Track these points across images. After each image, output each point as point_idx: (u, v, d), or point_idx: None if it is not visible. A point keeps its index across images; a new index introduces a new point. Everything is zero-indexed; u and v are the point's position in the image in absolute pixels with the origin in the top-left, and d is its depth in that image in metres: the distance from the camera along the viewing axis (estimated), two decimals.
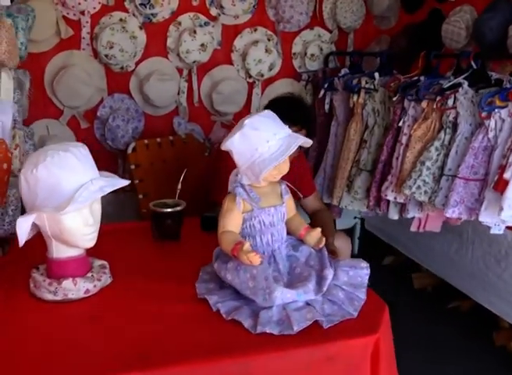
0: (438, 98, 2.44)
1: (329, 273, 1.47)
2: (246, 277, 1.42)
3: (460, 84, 2.42)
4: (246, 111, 3.41)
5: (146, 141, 3.01)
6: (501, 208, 2.18)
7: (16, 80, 2.40)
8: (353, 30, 3.53)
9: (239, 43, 3.32)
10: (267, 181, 1.52)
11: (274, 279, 1.43)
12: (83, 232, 1.46)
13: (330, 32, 3.49)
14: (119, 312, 1.44)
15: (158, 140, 3.06)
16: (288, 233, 1.60)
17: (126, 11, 3.06)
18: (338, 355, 1.30)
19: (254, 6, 3.29)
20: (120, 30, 2.99)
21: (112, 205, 3.14)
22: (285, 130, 1.48)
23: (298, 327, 1.31)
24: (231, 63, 3.35)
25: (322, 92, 3.10)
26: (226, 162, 2.39)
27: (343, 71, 3.12)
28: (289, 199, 1.60)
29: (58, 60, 2.99)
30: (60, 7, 2.91)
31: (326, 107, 3.18)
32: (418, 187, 2.51)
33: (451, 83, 2.44)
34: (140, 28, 3.10)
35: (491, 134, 2.30)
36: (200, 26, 3.20)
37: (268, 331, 1.31)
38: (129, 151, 2.94)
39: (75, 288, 1.47)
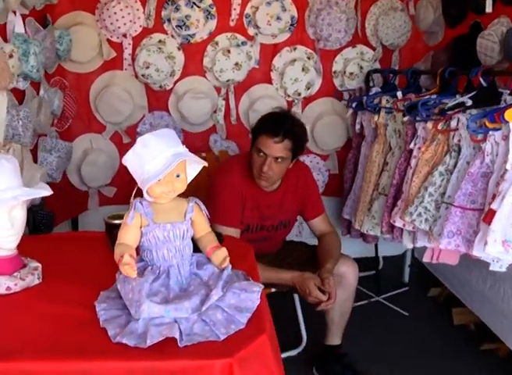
0: (439, 119, 2.33)
1: (215, 294, 1.50)
2: (128, 289, 1.51)
3: (464, 104, 2.30)
4: None
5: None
6: (485, 242, 2.03)
7: (39, 99, 2.72)
8: (398, 48, 3.45)
9: (278, 62, 3.40)
10: (165, 198, 1.59)
11: (154, 293, 1.50)
12: (1, 234, 1.64)
13: (374, 50, 3.44)
14: (22, 309, 1.59)
15: None
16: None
17: (165, 32, 3.28)
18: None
19: (292, 25, 3.35)
20: (156, 51, 3.21)
21: None
22: (175, 149, 1.54)
23: (150, 342, 1.37)
24: (270, 82, 3.43)
25: (350, 112, 3.07)
26: (224, 188, 2.53)
27: (374, 90, 3.08)
28: (196, 217, 1.64)
29: (102, 80, 3.28)
30: (104, 31, 3.21)
31: (357, 127, 3.15)
32: (419, 215, 2.41)
33: (454, 103, 2.32)
34: (179, 48, 3.30)
35: (488, 159, 2.16)
36: (238, 45, 3.33)
37: (124, 342, 1.39)
38: None
39: None
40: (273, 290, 2.57)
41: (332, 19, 3.28)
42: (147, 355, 1.35)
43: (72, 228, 3.45)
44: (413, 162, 2.54)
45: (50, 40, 2.79)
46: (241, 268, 1.81)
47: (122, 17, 3.15)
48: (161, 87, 3.32)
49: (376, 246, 3.55)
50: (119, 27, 3.17)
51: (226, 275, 1.59)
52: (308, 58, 3.41)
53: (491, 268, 2.22)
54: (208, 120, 3.40)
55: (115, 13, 3.14)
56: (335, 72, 3.45)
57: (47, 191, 1.71)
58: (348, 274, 2.64)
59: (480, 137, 2.14)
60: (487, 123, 2.07)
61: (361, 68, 3.38)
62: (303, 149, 2.58)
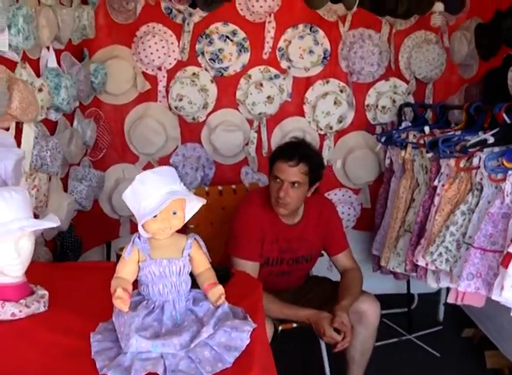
0: (461, 157, 2.29)
1: (205, 331, 1.52)
2: (121, 322, 1.55)
3: (486, 141, 2.25)
4: None
5: (207, 189, 3.26)
6: (502, 287, 1.97)
7: (71, 130, 2.85)
8: (431, 81, 3.42)
9: (310, 95, 3.43)
10: (162, 234, 1.63)
11: (145, 328, 1.53)
12: (7, 262, 1.73)
13: (407, 83, 3.42)
14: (22, 336, 1.65)
15: (220, 187, 3.30)
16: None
17: (199, 65, 3.38)
18: None
19: (325, 58, 3.39)
20: (190, 84, 3.31)
21: None
22: (171, 187, 1.58)
23: None
24: (303, 115, 3.47)
25: (379, 146, 3.05)
26: (242, 220, 2.56)
27: (404, 124, 3.06)
28: (195, 254, 1.67)
29: (137, 111, 3.40)
30: (139, 63, 3.34)
31: (387, 162, 3.13)
32: (440, 255, 2.37)
33: (476, 140, 2.27)
34: (212, 81, 3.39)
35: (508, 200, 2.10)
36: (271, 78, 3.39)
37: (109, 374, 1.42)
38: None
39: (2, 310, 1.74)
40: (294, 325, 2.56)
41: (365, 53, 3.30)
42: None
43: (106, 254, 3.55)
44: (436, 199, 2.50)
45: (84, 73, 2.92)
46: (246, 304, 1.84)
47: (157, 50, 3.27)
48: (194, 119, 3.41)
49: (408, 282, 3.47)
50: (154, 60, 3.29)
51: (221, 312, 1.61)
52: (341, 91, 3.43)
53: None
54: (239, 153, 3.45)
55: (150, 47, 3.26)
56: (367, 105, 3.45)
57: (53, 223, 1.78)
58: (369, 312, 2.60)
59: (500, 176, 2.09)
60: (505, 163, 2.02)
61: (394, 101, 3.37)
62: (319, 175, 2.58)
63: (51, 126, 2.73)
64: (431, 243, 2.42)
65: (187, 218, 1.69)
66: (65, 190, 2.94)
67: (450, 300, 2.56)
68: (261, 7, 3.23)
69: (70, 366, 1.48)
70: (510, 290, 1.96)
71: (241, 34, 3.36)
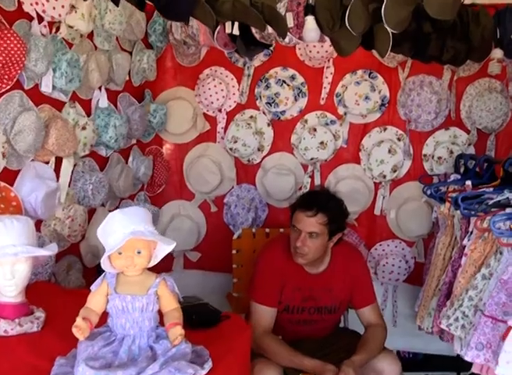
0: (480, 216, 2.17)
1: (151, 369, 1.60)
2: (80, 349, 1.68)
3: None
4: (369, 212, 3.45)
5: (253, 230, 3.36)
6: (496, 363, 1.84)
7: (121, 166, 3.06)
8: (494, 131, 3.26)
9: (367, 142, 3.41)
10: (126, 271, 1.73)
11: (96, 358, 1.63)
12: (2, 283, 1.91)
13: (468, 133, 3.29)
14: (5, 353, 1.79)
15: (267, 230, 3.38)
16: None
17: (257, 109, 3.49)
18: None
19: (383, 105, 3.36)
20: (245, 126, 3.43)
21: (205, 283, 3.56)
22: (135, 226, 1.68)
23: None
24: (358, 162, 3.45)
25: (423, 199, 2.95)
26: (262, 265, 2.61)
27: (453, 177, 2.94)
28: (162, 293, 1.75)
29: (196, 151, 3.56)
30: (201, 105, 3.53)
31: (433, 216, 3.02)
32: (456, 320, 2.26)
33: (498, 199, 2.15)
34: (268, 125, 3.49)
35: None
36: (326, 124, 3.42)
37: None
38: (235, 237, 3.32)
39: None
40: None
41: (422, 100, 3.23)
42: None
43: None
44: (463, 260, 2.38)
45: (140, 113, 3.14)
46: (229, 346, 1.91)
47: (216, 93, 3.44)
48: (249, 161, 3.52)
49: None
50: (212, 102, 3.46)
51: (175, 352, 1.68)
52: (398, 139, 3.37)
53: None
54: (291, 197, 3.47)
55: (210, 89, 3.44)
56: (425, 155, 3.36)
57: (48, 251, 1.97)
58: (387, 372, 2.52)
59: (510, 240, 1.97)
60: None
61: (451, 152, 3.25)
62: (340, 225, 2.56)
63: (102, 162, 2.96)
64: (450, 306, 2.30)
65: (159, 258, 1.79)
66: None
67: (475, 370, 2.41)
68: (318, 52, 3.30)
69: None
70: (505, 367, 1.82)
71: (300, 79, 3.44)
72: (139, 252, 1.69)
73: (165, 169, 3.56)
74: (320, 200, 2.51)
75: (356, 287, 2.68)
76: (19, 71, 2.24)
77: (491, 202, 2.17)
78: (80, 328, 1.63)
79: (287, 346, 2.49)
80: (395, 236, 3.43)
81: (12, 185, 2.34)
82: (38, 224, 2.48)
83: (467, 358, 2.08)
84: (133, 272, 1.73)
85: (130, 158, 3.26)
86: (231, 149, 3.47)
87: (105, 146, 2.92)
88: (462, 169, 3.10)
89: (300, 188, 3.48)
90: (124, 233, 1.66)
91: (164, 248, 1.77)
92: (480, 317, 2.08)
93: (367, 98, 3.33)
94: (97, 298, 1.73)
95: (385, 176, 3.36)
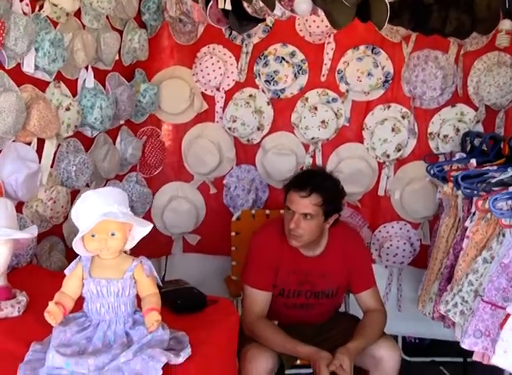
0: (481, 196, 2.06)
1: (123, 356, 1.55)
2: (53, 335, 1.62)
3: None
4: (373, 192, 3.34)
5: (253, 212, 3.28)
6: (494, 351, 1.74)
7: (107, 147, 2.98)
8: (503, 108, 3.12)
9: (370, 120, 3.29)
10: (100, 254, 1.66)
11: (68, 344, 1.58)
12: None
13: (476, 110, 3.15)
14: None
15: (267, 212, 3.31)
16: None
17: (257, 87, 3.38)
18: None
19: (386, 81, 3.24)
20: (244, 106, 3.32)
21: (205, 267, 3.49)
22: (109, 207, 1.61)
23: None
24: (361, 141, 3.33)
25: (427, 179, 2.84)
26: (255, 248, 2.54)
27: (458, 155, 2.82)
28: (139, 277, 1.69)
29: (195, 131, 3.47)
30: (198, 84, 3.43)
31: (437, 196, 2.90)
32: (455, 305, 2.17)
33: (501, 178, 2.04)
34: (268, 103, 3.37)
35: None
36: (328, 102, 3.30)
37: None
38: (234, 218, 3.25)
39: None
40: (298, 362, 2.48)
41: (427, 76, 3.09)
42: None
43: (159, 269, 3.68)
44: (464, 242, 2.28)
45: (128, 93, 3.04)
46: (213, 332, 1.88)
47: (213, 71, 3.33)
48: (248, 141, 3.42)
49: None
50: (210, 81, 3.35)
51: (150, 339, 1.62)
52: (403, 117, 3.24)
53: None
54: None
55: (207, 67, 3.33)
56: (430, 133, 3.23)
57: (28, 234, 1.93)
58: (386, 358, 2.43)
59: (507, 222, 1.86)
60: None
61: (458, 130, 3.12)
62: (336, 206, 2.48)
63: (87, 142, 2.88)
64: (450, 291, 2.21)
65: (136, 240, 1.73)
66: None
67: (476, 358, 2.31)
68: (318, 27, 3.17)
69: None
70: (502, 356, 1.73)
71: (300, 56, 3.31)
72: (113, 234, 1.63)
73: (160, 150, 3.47)
74: (314, 180, 2.42)
75: (354, 270, 2.59)
76: None
77: (493, 181, 2.05)
78: (52, 313, 1.59)
79: (281, 332, 2.42)
80: (399, 217, 3.31)
81: None
82: (20, 206, 2.43)
83: (465, 346, 1.99)
84: (108, 255, 1.67)
85: (118, 139, 3.17)
86: (230, 129, 3.37)
87: (91, 127, 2.84)
88: (468, 148, 2.97)
89: (302, 169, 3.37)
90: (96, 214, 1.60)
91: (141, 230, 1.70)
92: (479, 303, 1.99)
93: (369, 74, 3.19)
94: (72, 282, 1.69)
95: (388, 156, 3.24)
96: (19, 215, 2.41)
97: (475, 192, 2.16)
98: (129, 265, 1.69)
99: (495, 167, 2.29)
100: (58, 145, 2.63)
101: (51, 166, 2.60)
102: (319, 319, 2.65)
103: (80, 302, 1.71)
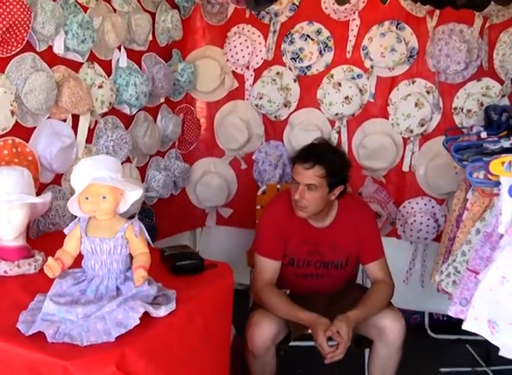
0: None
1: (108, 307, 1.71)
2: (52, 287, 1.81)
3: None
4: (398, 168, 3.37)
5: (278, 186, 3.37)
6: (465, 318, 1.79)
7: (147, 124, 3.17)
8: None
9: (395, 96, 3.31)
10: (94, 215, 1.83)
11: (64, 294, 1.75)
12: (1, 227, 2.10)
13: (502, 83, 3.10)
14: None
15: None
16: None
17: (284, 65, 3.48)
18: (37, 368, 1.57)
19: (411, 57, 3.24)
20: (270, 83, 3.43)
21: (236, 239, 3.63)
22: (100, 173, 1.76)
23: (31, 331, 1.63)
24: (386, 117, 3.36)
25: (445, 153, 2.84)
26: (265, 219, 2.65)
27: (475, 129, 2.80)
28: (131, 237, 1.84)
29: (226, 108, 3.63)
30: (229, 63, 3.56)
31: (455, 171, 2.90)
32: (448, 275, 2.21)
33: (491, 148, 2.05)
34: (295, 80, 3.47)
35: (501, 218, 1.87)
36: (353, 78, 3.35)
37: (19, 327, 1.66)
38: (259, 192, 3.37)
39: None
40: (309, 331, 2.54)
41: (451, 50, 3.07)
42: (21, 341, 1.62)
43: (193, 241, 3.88)
44: (464, 214, 2.30)
45: (164, 72, 3.23)
46: (207, 291, 2.03)
47: (241, 50, 3.47)
48: (276, 117, 3.53)
49: None
50: (238, 60, 3.49)
51: (135, 293, 1.78)
52: (428, 92, 3.24)
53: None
54: None
55: (235, 46, 3.48)
56: (455, 108, 3.21)
57: (41, 199, 2.14)
58: (390, 329, 2.49)
59: (493, 190, 1.88)
60: (489, 175, 1.82)
61: (482, 105, 3.08)
62: (340, 178, 2.54)
63: (127, 120, 3.09)
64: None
65: (129, 203, 1.88)
66: (143, 178, 3.30)
67: None
68: None
69: (6, 318, 1.73)
70: (473, 323, 1.77)
71: (325, 33, 3.38)
72: (104, 197, 1.78)
73: (196, 126, 3.65)
74: (318, 152, 2.50)
75: (363, 241, 2.65)
76: (25, 34, 2.38)
77: (487, 151, 2.07)
78: (51, 267, 1.76)
79: (286, 299, 2.53)
80: (424, 193, 3.33)
81: (27, 141, 2.50)
82: (58, 178, 2.68)
83: (451, 313, 2.03)
84: (102, 216, 1.83)
85: (159, 117, 3.36)
86: (257, 105, 3.49)
87: (128, 104, 3.04)
88: (488, 122, 2.95)
89: None
90: (87, 178, 1.76)
91: (133, 194, 1.85)
92: (465, 271, 2.02)
93: (393, 50, 3.20)
94: (71, 240, 1.85)
95: (412, 131, 3.26)
96: (58, 187, 2.67)
97: (466, 163, 2.17)
98: (122, 226, 1.84)
99: (495, 139, 2.29)
100: (96, 122, 2.84)
101: (90, 142, 2.83)
102: (330, 289, 2.73)
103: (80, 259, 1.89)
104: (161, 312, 1.77)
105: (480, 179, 1.91)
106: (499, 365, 3.13)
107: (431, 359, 3.28)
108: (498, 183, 1.83)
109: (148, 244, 1.88)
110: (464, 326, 1.81)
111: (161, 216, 3.42)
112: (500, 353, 1.91)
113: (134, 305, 1.72)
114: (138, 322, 1.67)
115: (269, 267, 2.62)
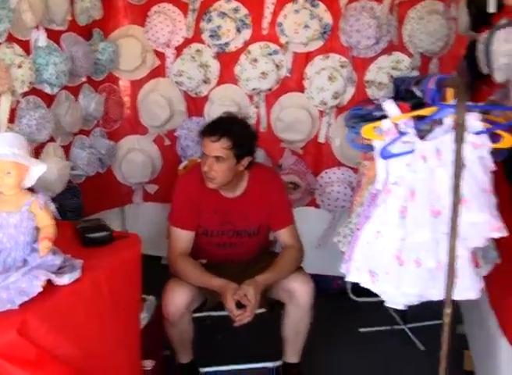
0: None
1: (13, 276, 1.76)
2: None
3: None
4: (315, 140, 3.50)
5: (199, 160, 3.45)
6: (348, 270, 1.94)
7: (69, 103, 3.19)
8: (436, 55, 3.23)
9: (310, 70, 3.43)
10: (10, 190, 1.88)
11: None
12: None
13: (411, 57, 3.26)
14: None
15: None
16: None
17: (203, 42, 3.54)
18: None
19: (324, 33, 3.36)
20: (189, 60, 3.50)
21: (164, 214, 3.70)
22: (2, 149, 1.80)
23: None
24: (303, 91, 3.47)
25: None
26: (178, 191, 2.73)
27: (381, 100, 2.92)
28: (36, 211, 1.89)
29: (148, 86, 3.70)
30: (150, 42, 3.61)
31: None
32: (345, 236, 2.32)
33: (376, 115, 2.17)
34: (214, 57, 3.54)
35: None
36: (270, 54, 3.45)
37: None
38: (180, 167, 3.44)
39: None
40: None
41: (361, 26, 3.20)
42: None
43: (122, 218, 3.95)
44: (362, 179, 2.43)
45: (83, 51, 3.25)
46: (114, 260, 2.11)
47: (162, 29, 3.52)
48: (196, 94, 3.61)
49: None
50: (159, 38, 3.54)
51: (40, 263, 1.85)
52: (342, 66, 3.37)
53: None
54: None
55: (156, 25, 3.53)
56: (367, 81, 3.35)
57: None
58: (300, 292, 2.61)
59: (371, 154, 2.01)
60: (364, 140, 1.95)
61: (392, 77, 3.22)
62: (247, 149, 2.62)
63: (48, 99, 3.11)
64: None
65: (34, 179, 1.93)
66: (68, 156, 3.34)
67: None
68: None
69: None
70: (356, 273, 1.91)
71: (243, 11, 3.46)
72: (8, 173, 1.84)
73: (119, 105, 3.70)
74: (224, 125, 2.59)
75: (273, 210, 2.75)
76: None
77: (369, 118, 2.19)
78: None
79: (199, 267, 2.62)
80: (341, 163, 3.47)
81: None
82: None
83: (343, 270, 2.13)
84: (8, 191, 1.88)
85: (80, 96, 3.40)
86: (177, 83, 3.56)
87: (48, 83, 3.05)
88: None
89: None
90: None
91: (38, 169, 1.91)
92: (354, 232, 2.15)
93: (306, 26, 3.31)
94: None
95: (326, 104, 3.38)
96: None
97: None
98: (27, 200, 1.91)
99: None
100: (18, 102, 2.85)
101: (13, 122, 2.83)
102: (244, 257, 2.82)
103: None
104: (65, 280, 1.84)
105: (360, 144, 2.03)
106: (415, 322, 3.32)
107: (351, 321, 3.43)
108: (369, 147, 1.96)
109: (56, 217, 1.95)
110: (348, 278, 1.94)
111: (89, 194, 3.47)
112: (386, 303, 2.06)
113: (37, 274, 1.78)
114: (41, 289, 1.74)
115: (183, 238, 2.70)
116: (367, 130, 1.85)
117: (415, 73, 3.27)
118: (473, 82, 2.71)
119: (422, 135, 1.90)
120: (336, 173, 3.48)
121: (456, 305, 3.17)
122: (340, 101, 3.39)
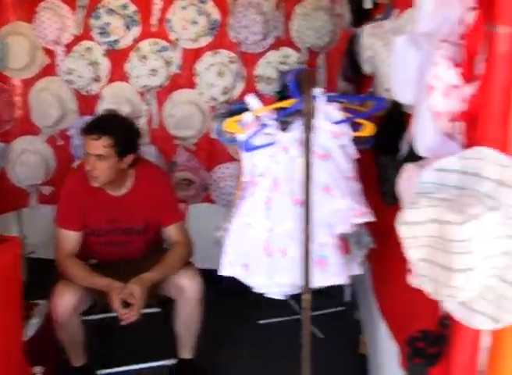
0: None
1: None
2: None
3: None
4: (207, 135, 3.52)
5: None
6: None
7: None
8: (323, 49, 3.33)
9: (199, 66, 3.45)
10: None
11: None
12: None
13: (299, 52, 3.35)
14: None
15: None
16: None
17: (93, 40, 3.50)
18: None
19: (213, 29, 3.39)
20: (79, 58, 3.45)
21: None
22: None
23: None
24: (193, 87, 3.49)
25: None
26: (62, 192, 2.69)
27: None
28: None
29: (39, 85, 3.61)
30: (39, 39, 3.52)
31: None
32: (226, 230, 2.34)
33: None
34: (104, 55, 3.51)
35: None
36: (159, 51, 3.44)
37: None
38: (75, 166, 3.38)
39: None
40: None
41: (248, 21, 3.25)
42: None
43: (19, 222, 3.83)
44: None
45: None
46: None
47: (50, 25, 3.45)
48: (87, 92, 3.55)
49: None
50: (47, 35, 3.47)
51: None
52: (231, 62, 3.41)
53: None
54: None
55: (44, 22, 3.45)
56: (257, 76, 3.41)
57: None
58: (188, 287, 2.62)
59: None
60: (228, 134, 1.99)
61: (280, 72, 3.29)
62: (130, 147, 2.61)
63: None
64: None
65: None
66: None
67: None
68: None
69: None
70: (228, 267, 1.95)
71: (132, 7, 3.45)
72: None
73: (10, 105, 3.61)
74: (104, 123, 2.57)
75: (161, 207, 2.74)
76: None
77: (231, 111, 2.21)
78: None
79: (85, 268, 2.59)
80: (233, 158, 3.49)
81: None
82: None
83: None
84: None
85: None
86: (67, 81, 3.50)
87: None
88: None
89: (138, 117, 3.52)
90: None
91: None
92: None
93: (194, 22, 3.33)
94: None
95: (216, 99, 3.41)
96: None
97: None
98: None
99: None
100: None
101: None
102: (134, 254, 2.81)
103: None
104: None
105: (228, 137, 2.06)
106: (314, 311, 3.38)
107: (250, 314, 3.46)
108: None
109: None
110: (222, 272, 1.97)
111: None
112: (266, 295, 2.10)
113: None
114: None
115: (69, 238, 2.66)
116: (230, 123, 1.88)
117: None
118: (356, 75, 2.80)
119: (285, 127, 1.95)
120: (228, 167, 3.51)
121: (352, 292, 3.33)
122: (230, 96, 3.42)
